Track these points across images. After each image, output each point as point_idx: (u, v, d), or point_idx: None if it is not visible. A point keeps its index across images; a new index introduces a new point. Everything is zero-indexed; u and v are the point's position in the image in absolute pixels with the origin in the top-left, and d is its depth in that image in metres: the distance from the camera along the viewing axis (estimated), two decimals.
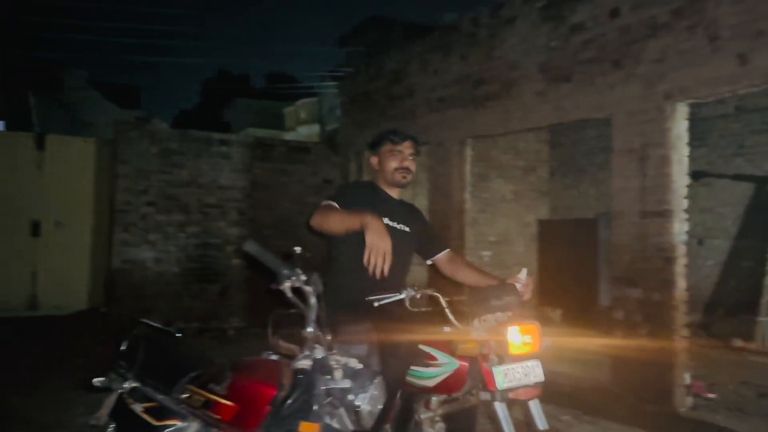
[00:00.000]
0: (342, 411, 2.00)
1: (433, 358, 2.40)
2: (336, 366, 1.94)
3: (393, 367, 2.40)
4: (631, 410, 4.57)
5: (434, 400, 2.38)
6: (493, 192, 10.63)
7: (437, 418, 2.49)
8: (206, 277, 8.46)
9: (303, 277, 2.01)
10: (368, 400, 1.97)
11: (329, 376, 1.95)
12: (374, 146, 3.01)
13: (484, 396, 2.24)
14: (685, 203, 4.91)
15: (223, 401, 2.14)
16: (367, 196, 2.90)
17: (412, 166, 2.94)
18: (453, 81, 7.25)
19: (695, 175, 8.52)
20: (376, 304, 2.35)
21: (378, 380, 2.00)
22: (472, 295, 2.46)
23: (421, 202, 9.64)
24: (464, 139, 7.19)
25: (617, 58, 5.25)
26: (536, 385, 2.28)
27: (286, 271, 2.00)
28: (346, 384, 1.96)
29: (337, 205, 2.74)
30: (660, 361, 4.78)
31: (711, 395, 5.24)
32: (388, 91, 8.41)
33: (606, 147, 5.48)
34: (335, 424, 1.99)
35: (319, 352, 2.00)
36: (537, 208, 10.25)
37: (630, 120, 5.13)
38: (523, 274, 2.65)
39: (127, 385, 2.61)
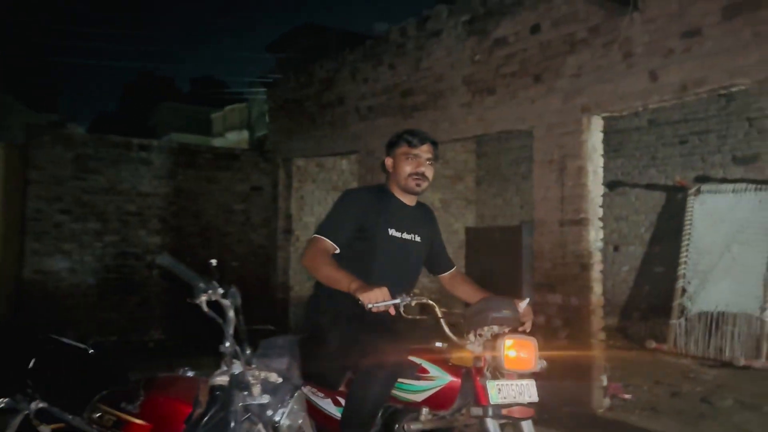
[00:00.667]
0: (261, 427, 1.95)
1: (425, 371, 2.31)
2: (254, 381, 1.89)
3: (379, 379, 2.29)
4: (551, 413, 4.70)
5: (424, 410, 2.28)
6: (423, 200, 10.70)
7: None
8: (125, 288, 8.15)
9: (220, 291, 1.95)
10: (288, 415, 1.93)
11: (247, 392, 1.90)
12: (390, 147, 2.79)
13: (476, 411, 2.13)
14: (600, 212, 5.13)
15: (136, 420, 2.05)
16: (369, 209, 2.68)
17: (429, 173, 2.72)
18: (382, 90, 7.31)
19: (611, 185, 8.94)
20: (369, 306, 2.19)
21: (298, 394, 1.97)
22: (470, 306, 2.38)
23: None
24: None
25: (538, 72, 5.44)
26: (530, 405, 2.19)
27: (202, 285, 1.94)
28: (265, 399, 1.91)
29: (328, 241, 2.57)
30: (579, 364, 4.96)
31: (627, 396, 5.48)
32: (318, 99, 8.38)
33: (529, 157, 5.67)
34: None
35: (237, 368, 1.94)
36: (464, 215, 10.49)
37: (550, 132, 5.32)
38: (524, 303, 2.53)
39: (34, 405, 2.46)
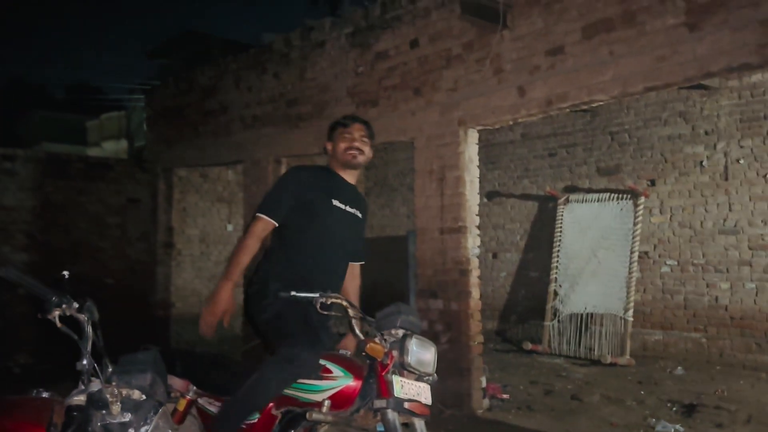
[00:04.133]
0: None
1: (328, 371, 2.38)
2: (113, 399, 1.80)
3: (280, 372, 2.39)
4: (433, 416, 4.82)
5: (326, 403, 2.33)
6: None
7: None
8: None
9: (75, 305, 1.84)
10: None
11: (106, 411, 1.80)
12: (329, 134, 3.01)
13: (379, 404, 2.23)
14: (477, 220, 5.35)
15: None
16: (311, 183, 2.86)
17: (364, 147, 2.93)
18: (267, 99, 7.23)
19: (489, 195, 9.37)
20: (284, 294, 2.36)
21: (163, 410, 1.89)
22: (381, 310, 2.47)
23: (238, 221, 9.45)
24: (279, 157, 7.18)
25: (417, 85, 5.61)
26: (425, 406, 2.33)
27: (54, 299, 1.82)
28: (126, 418, 1.82)
29: (264, 218, 2.76)
30: (459, 367, 5.13)
31: (505, 396, 5.73)
32: (200, 106, 8.14)
33: (414, 168, 5.82)
34: None
35: (95, 386, 1.84)
36: None
37: (429, 144, 5.49)
38: None
39: None
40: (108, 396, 1.79)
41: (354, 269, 3.04)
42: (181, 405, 2.58)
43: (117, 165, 8.97)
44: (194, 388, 2.60)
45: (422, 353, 2.33)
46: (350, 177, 2.97)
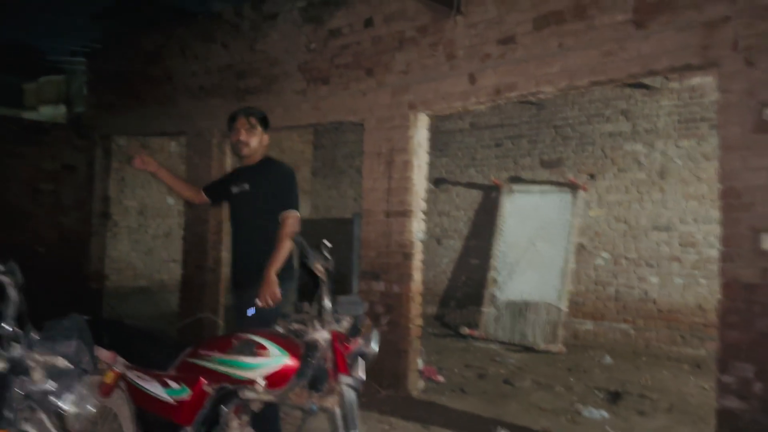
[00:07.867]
0: (42, 415, 1.79)
1: (263, 348, 2.32)
2: (35, 366, 1.72)
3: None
4: (368, 396, 4.87)
5: (261, 382, 2.28)
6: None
7: (245, 419, 2.44)
8: None
9: None
10: (75, 402, 1.78)
11: (27, 378, 1.73)
12: (228, 126, 3.62)
13: (345, 380, 2.24)
14: (423, 204, 5.38)
15: None
16: (230, 177, 3.81)
17: (250, 138, 3.51)
18: (215, 69, 7.04)
19: (437, 182, 9.46)
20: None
21: (87, 378, 1.82)
22: (347, 295, 2.46)
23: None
24: (225, 130, 7.01)
25: (370, 66, 5.57)
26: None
27: None
28: (48, 386, 1.75)
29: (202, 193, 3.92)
30: (397, 349, 5.17)
31: (440, 378, 5.83)
32: (144, 73, 7.85)
33: (363, 150, 5.80)
34: (32, 430, 1.77)
35: (17, 351, 1.76)
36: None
37: (379, 126, 5.47)
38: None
39: None
40: (30, 362, 1.72)
41: (283, 218, 3.44)
42: (109, 378, 2.50)
43: (53, 129, 8.56)
44: (122, 360, 2.52)
45: (377, 346, 2.41)
46: (248, 160, 3.59)
